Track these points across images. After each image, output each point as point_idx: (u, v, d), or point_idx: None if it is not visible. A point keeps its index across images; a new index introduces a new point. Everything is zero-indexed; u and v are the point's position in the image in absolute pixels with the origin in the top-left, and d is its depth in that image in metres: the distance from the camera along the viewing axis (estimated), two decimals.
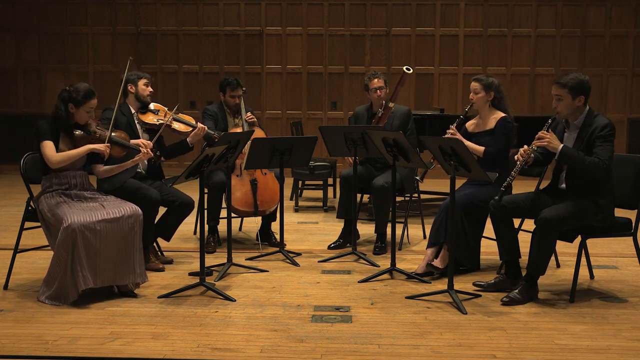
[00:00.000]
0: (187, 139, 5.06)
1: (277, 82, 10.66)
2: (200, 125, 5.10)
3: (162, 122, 4.93)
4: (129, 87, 4.97)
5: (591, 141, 4.08)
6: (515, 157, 4.25)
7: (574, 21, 10.43)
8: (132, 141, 4.52)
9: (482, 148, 4.73)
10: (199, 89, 10.60)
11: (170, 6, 10.59)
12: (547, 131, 4.12)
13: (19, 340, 3.51)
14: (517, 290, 4.18)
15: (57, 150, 4.21)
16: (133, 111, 4.99)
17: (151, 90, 5.05)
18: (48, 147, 4.18)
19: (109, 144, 4.25)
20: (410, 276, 4.66)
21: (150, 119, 4.97)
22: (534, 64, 10.48)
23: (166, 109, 5.13)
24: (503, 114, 4.83)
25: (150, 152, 4.49)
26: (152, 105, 5.04)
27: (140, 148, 4.43)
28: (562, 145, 4.06)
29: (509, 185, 4.27)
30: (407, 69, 5.68)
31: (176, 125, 5.05)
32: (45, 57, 10.67)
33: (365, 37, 10.55)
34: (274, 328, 3.71)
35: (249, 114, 5.71)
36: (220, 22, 10.60)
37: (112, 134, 4.36)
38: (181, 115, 5.18)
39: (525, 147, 4.21)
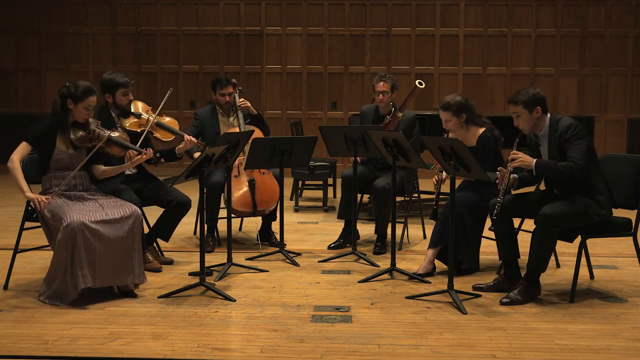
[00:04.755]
0: (175, 150, 4.99)
1: (277, 82, 10.66)
2: (187, 137, 4.98)
3: (144, 129, 4.78)
4: (106, 97, 4.87)
5: (561, 145, 4.13)
6: (497, 182, 4.29)
7: (574, 21, 10.42)
8: None
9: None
10: (199, 89, 10.60)
11: (170, 6, 10.59)
12: (516, 150, 4.19)
13: (19, 340, 3.52)
14: (516, 291, 4.18)
15: (54, 148, 4.24)
16: (114, 115, 4.90)
17: (130, 98, 4.90)
18: (21, 147, 4.26)
19: (48, 198, 4.15)
20: (410, 276, 4.66)
21: (131, 124, 4.85)
22: (534, 64, 10.48)
23: (150, 109, 4.99)
24: (482, 129, 4.80)
25: (151, 152, 4.51)
26: (133, 109, 4.91)
27: (138, 154, 4.47)
28: (534, 160, 4.13)
29: (499, 211, 4.24)
30: (419, 83, 5.63)
31: (158, 134, 4.91)
32: (45, 57, 10.67)
33: (365, 37, 10.55)
34: (274, 328, 3.71)
35: (242, 99, 5.66)
36: (220, 22, 10.60)
37: (113, 134, 4.38)
38: (165, 120, 5.00)
39: (501, 169, 4.25)
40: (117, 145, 4.41)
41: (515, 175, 4.30)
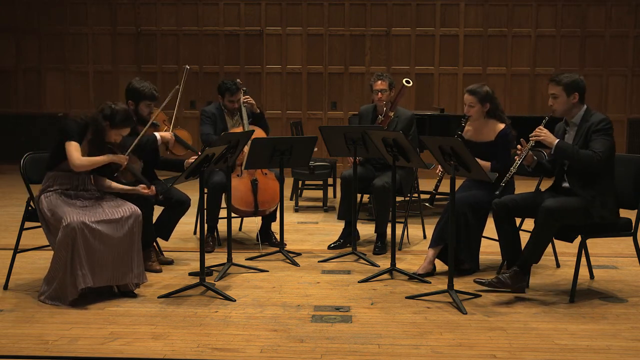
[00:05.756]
0: (185, 162, 4.96)
1: (277, 82, 10.66)
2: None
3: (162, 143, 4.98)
4: (129, 103, 4.87)
5: (588, 136, 4.15)
6: (516, 156, 4.27)
7: (574, 21, 10.43)
8: None
9: (488, 163, 4.69)
10: (199, 89, 10.60)
11: (170, 6, 10.59)
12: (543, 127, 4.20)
13: (19, 340, 3.51)
14: (507, 274, 4.17)
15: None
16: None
17: (151, 112, 4.93)
18: (74, 147, 4.17)
19: (128, 157, 4.31)
20: (410, 276, 4.66)
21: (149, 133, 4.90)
22: (534, 64, 10.48)
23: (166, 119, 5.10)
24: (502, 125, 4.79)
25: (154, 189, 4.52)
26: (152, 120, 4.94)
27: (144, 187, 4.46)
28: (557, 140, 4.14)
29: (508, 181, 4.27)
30: (406, 81, 5.65)
31: (173, 149, 5.05)
32: (45, 57, 10.67)
33: (365, 37, 10.55)
34: (274, 328, 3.71)
35: (247, 97, 5.72)
36: (220, 22, 10.60)
37: (131, 163, 4.48)
38: (180, 133, 5.12)
39: (523, 141, 4.25)
40: (131, 174, 4.50)
41: (535, 157, 4.29)
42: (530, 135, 4.20)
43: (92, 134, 4.26)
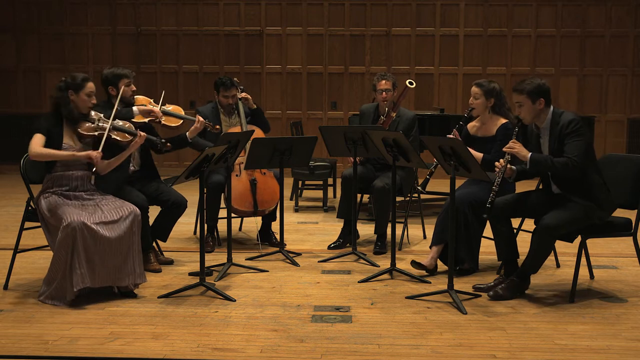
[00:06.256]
0: (187, 134, 5.03)
1: (277, 82, 10.66)
2: (200, 118, 5.07)
3: (151, 119, 4.88)
4: (110, 90, 4.85)
5: (562, 139, 4.12)
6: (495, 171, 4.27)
7: (574, 21, 10.43)
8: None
9: (480, 155, 4.71)
10: (198, 89, 10.60)
11: (170, 6, 10.59)
12: (517, 139, 4.21)
13: (19, 340, 3.51)
14: (504, 285, 4.19)
15: (62, 142, 4.22)
16: (119, 108, 4.89)
17: (134, 88, 4.93)
18: (36, 138, 4.18)
19: (100, 152, 4.19)
20: (412, 276, 4.66)
21: (137, 117, 4.88)
22: (534, 64, 10.48)
23: (151, 101, 5.07)
24: (504, 120, 4.81)
25: (144, 135, 4.47)
26: (136, 104, 4.93)
27: (138, 132, 4.44)
28: (530, 153, 4.12)
29: (493, 201, 4.24)
30: (409, 83, 5.65)
31: (166, 121, 4.99)
32: (45, 57, 10.67)
33: (365, 37, 10.55)
34: (274, 328, 3.71)
35: (243, 94, 5.71)
36: (220, 22, 10.60)
37: (116, 122, 4.38)
38: (169, 107, 5.12)
39: (501, 160, 4.24)
40: (123, 132, 4.42)
41: (514, 167, 4.29)
42: (503, 149, 4.20)
43: (65, 114, 4.25)
